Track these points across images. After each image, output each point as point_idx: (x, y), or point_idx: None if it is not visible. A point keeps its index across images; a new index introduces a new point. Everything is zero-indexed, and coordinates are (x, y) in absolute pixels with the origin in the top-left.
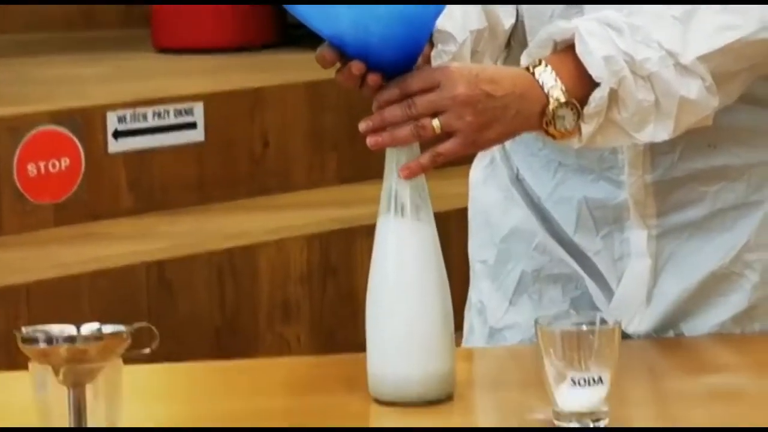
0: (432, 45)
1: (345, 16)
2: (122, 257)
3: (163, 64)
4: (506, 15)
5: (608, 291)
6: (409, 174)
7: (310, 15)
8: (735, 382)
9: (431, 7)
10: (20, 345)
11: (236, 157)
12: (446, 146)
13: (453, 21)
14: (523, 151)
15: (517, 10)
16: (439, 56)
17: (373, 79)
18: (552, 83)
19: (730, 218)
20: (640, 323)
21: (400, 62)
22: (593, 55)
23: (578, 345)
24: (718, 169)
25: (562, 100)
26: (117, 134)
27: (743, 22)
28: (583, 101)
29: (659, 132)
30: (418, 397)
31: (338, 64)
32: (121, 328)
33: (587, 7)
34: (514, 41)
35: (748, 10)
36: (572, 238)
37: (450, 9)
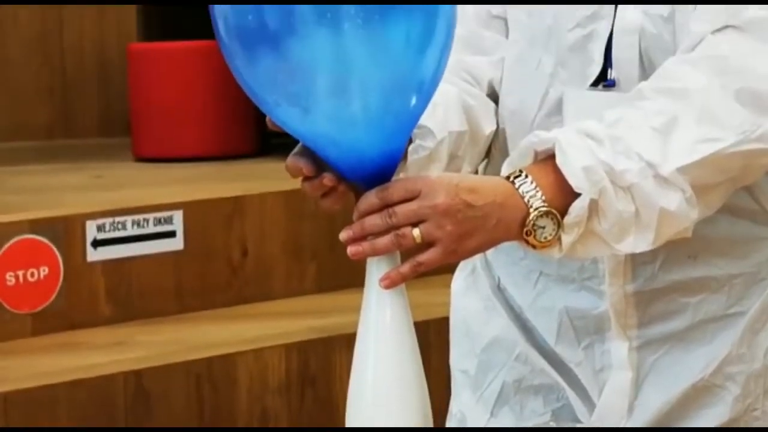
0: (410, 141)
1: (324, 113)
2: (100, 367)
3: (142, 172)
4: (487, 121)
5: (590, 402)
6: (390, 284)
7: (288, 116)
8: None
9: (416, 107)
10: None
11: (215, 266)
12: (427, 255)
13: (434, 119)
14: (504, 260)
15: (498, 118)
16: (416, 151)
17: (342, 188)
18: (532, 193)
19: (711, 330)
20: None
21: (378, 169)
22: (573, 166)
23: None
24: (698, 280)
25: (543, 209)
26: (96, 243)
27: (722, 134)
28: (564, 211)
29: (639, 243)
30: None
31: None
32: None
33: (567, 118)
34: (495, 149)
35: (727, 122)
36: (553, 348)
37: (432, 107)
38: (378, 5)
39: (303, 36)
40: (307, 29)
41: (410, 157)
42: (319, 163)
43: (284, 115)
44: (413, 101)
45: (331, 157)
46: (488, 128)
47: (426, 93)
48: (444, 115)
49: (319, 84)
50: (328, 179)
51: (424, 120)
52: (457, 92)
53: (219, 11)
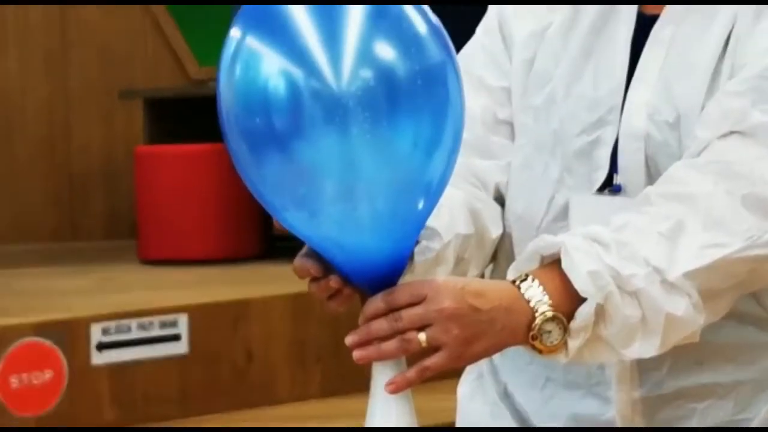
0: (417, 242)
1: (331, 217)
2: None
3: (148, 275)
4: (494, 225)
5: None
6: (396, 389)
7: (295, 219)
8: None
9: (423, 210)
10: None
11: (220, 370)
12: (433, 360)
13: (440, 220)
14: (511, 365)
15: (504, 222)
16: (422, 252)
17: (347, 291)
18: (538, 297)
19: None
20: None
21: (384, 273)
22: (579, 270)
23: None
24: (706, 386)
25: (549, 314)
26: (101, 346)
27: (729, 239)
28: (570, 316)
29: (646, 348)
30: None
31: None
32: None
33: (574, 223)
34: (501, 254)
35: (733, 227)
36: None
37: (438, 210)
38: (385, 108)
39: (311, 139)
40: (315, 132)
41: (417, 258)
42: (326, 264)
43: (291, 219)
44: (420, 204)
45: (337, 261)
46: (495, 232)
47: (433, 196)
48: (450, 217)
49: (327, 187)
50: (334, 281)
51: (430, 221)
52: (464, 195)
53: (227, 113)
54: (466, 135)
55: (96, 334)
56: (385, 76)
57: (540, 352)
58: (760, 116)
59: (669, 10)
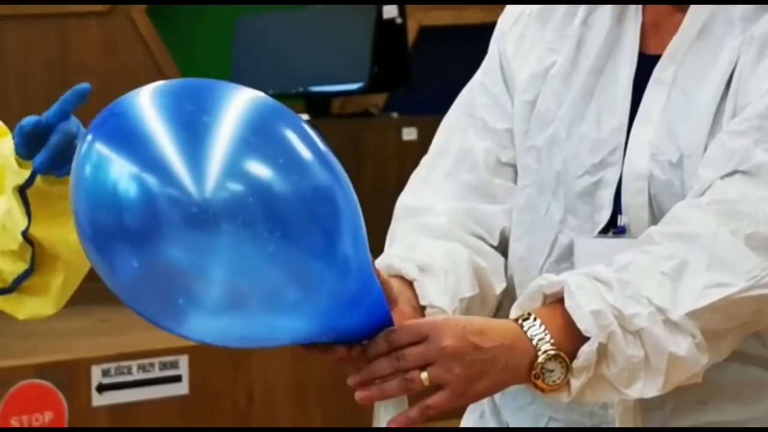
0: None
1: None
2: None
3: None
4: (497, 279)
5: None
6: (398, 428)
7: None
8: None
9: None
10: None
11: (221, 411)
12: (435, 399)
13: (446, 294)
14: (512, 405)
15: (506, 271)
16: None
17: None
18: (541, 336)
19: None
20: None
21: (364, 311)
22: (582, 309)
23: None
24: (709, 425)
25: (551, 353)
26: (101, 387)
27: (732, 279)
28: (572, 355)
29: (648, 388)
30: None
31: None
32: None
33: (577, 261)
34: (504, 298)
35: (737, 267)
36: None
37: (444, 275)
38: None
39: (175, 241)
40: (178, 235)
41: None
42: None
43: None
44: (346, 270)
45: (307, 333)
46: (499, 287)
47: (358, 268)
48: (455, 283)
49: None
50: (340, 352)
51: (436, 298)
52: (468, 255)
53: (79, 216)
54: (469, 178)
55: (96, 375)
56: (259, 191)
57: (542, 390)
58: (763, 155)
59: (671, 50)
